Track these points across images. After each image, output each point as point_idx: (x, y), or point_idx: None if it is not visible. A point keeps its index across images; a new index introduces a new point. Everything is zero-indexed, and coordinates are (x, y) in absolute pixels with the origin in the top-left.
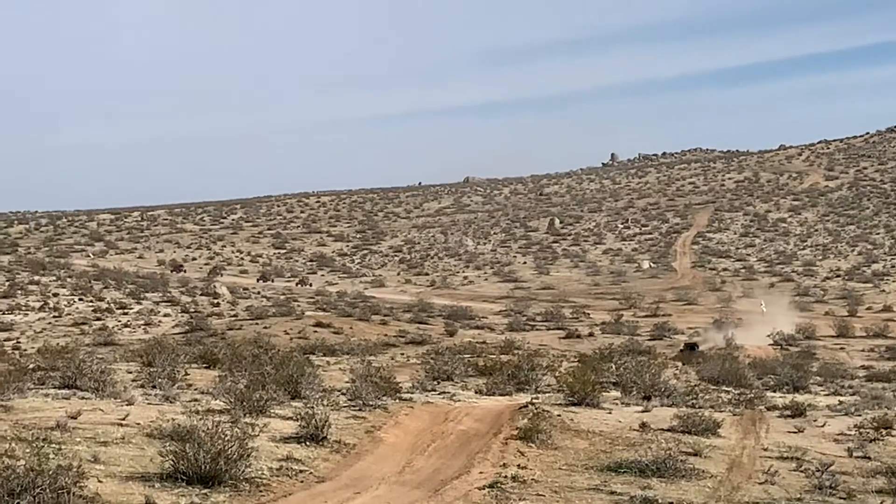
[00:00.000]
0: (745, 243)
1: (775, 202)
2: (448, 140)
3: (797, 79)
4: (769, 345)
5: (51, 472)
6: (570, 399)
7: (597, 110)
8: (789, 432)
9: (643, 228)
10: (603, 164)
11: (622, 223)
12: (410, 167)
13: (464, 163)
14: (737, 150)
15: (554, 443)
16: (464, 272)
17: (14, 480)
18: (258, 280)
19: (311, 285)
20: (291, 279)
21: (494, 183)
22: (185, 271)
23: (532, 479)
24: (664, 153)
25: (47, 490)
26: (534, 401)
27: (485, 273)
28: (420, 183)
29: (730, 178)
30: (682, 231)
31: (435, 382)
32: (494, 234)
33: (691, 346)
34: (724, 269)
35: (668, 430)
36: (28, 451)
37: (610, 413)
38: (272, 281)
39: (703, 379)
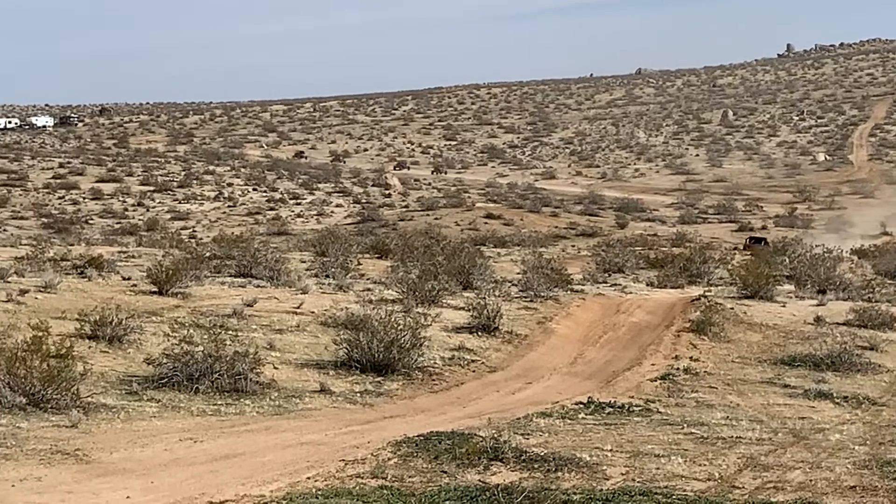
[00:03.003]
0: None
1: None
2: (621, 31)
3: None
4: None
5: (228, 358)
6: (743, 292)
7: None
8: None
9: (819, 121)
10: (778, 55)
11: (797, 115)
12: (582, 58)
13: (636, 54)
14: None
15: (727, 336)
16: (635, 164)
17: (193, 366)
18: (394, 168)
19: (445, 173)
20: (462, 170)
21: (667, 74)
22: (306, 157)
23: (704, 372)
24: (842, 44)
25: (225, 375)
26: (706, 293)
27: (656, 165)
28: (591, 74)
29: None
30: (859, 123)
31: (606, 274)
32: (666, 126)
33: (757, 241)
34: None
35: (844, 324)
36: (206, 337)
37: (784, 306)
38: (408, 168)
39: (880, 273)
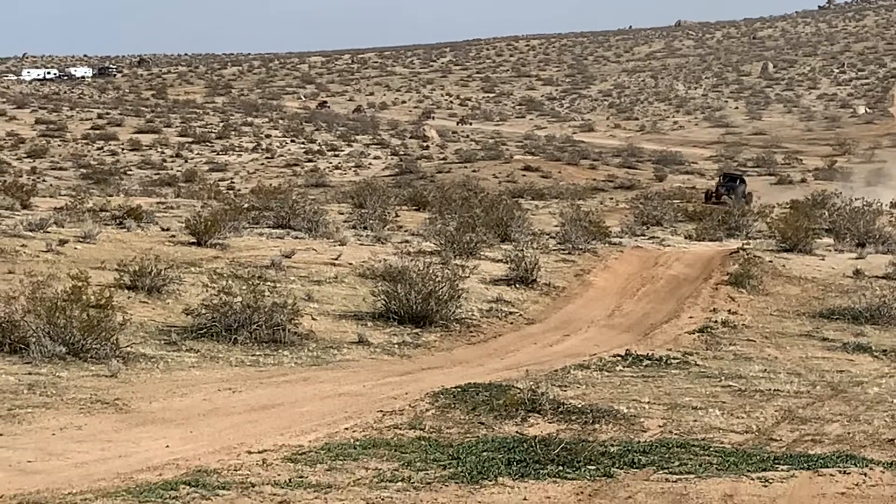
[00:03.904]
0: None
1: None
2: None
3: None
4: None
5: (266, 309)
6: (782, 245)
7: None
8: None
9: (859, 73)
10: (819, 6)
11: (838, 68)
12: (621, 10)
13: (676, 6)
14: None
15: (765, 289)
16: (674, 117)
17: (231, 316)
18: (421, 116)
19: (470, 124)
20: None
21: (707, 26)
22: (329, 107)
23: (742, 325)
24: None
25: (263, 326)
26: (745, 246)
27: (695, 118)
28: (630, 26)
29: None
30: None
31: (644, 227)
32: (706, 78)
33: (732, 178)
34: None
35: (883, 278)
36: (244, 288)
37: (823, 260)
38: (433, 119)
39: None
